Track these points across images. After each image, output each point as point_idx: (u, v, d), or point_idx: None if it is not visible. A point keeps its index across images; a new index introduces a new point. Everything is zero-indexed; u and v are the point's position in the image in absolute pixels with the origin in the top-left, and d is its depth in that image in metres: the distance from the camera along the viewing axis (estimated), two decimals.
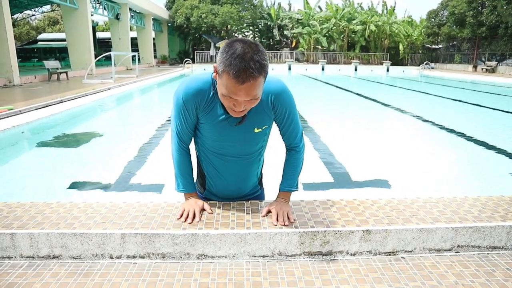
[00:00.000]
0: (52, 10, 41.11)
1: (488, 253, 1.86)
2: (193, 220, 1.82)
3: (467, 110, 10.84)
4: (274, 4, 41.85)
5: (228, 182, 1.95)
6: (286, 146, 1.91)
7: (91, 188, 4.06)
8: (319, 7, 41.41)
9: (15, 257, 1.76)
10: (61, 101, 9.34)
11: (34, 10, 35.63)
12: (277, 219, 1.82)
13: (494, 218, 1.91)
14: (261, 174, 2.15)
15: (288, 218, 1.84)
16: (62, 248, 1.75)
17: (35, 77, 15.61)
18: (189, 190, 1.93)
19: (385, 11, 39.42)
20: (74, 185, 4.10)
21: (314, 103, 12.45)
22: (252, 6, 38.54)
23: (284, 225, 1.79)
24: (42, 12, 42.62)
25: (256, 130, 1.72)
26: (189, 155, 1.89)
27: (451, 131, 7.36)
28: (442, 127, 7.70)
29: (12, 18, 19.37)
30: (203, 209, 1.91)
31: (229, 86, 1.41)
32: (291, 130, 1.79)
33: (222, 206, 2.02)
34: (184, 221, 1.81)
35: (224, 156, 1.85)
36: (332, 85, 18.68)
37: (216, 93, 1.61)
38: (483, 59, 31.27)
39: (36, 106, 8.21)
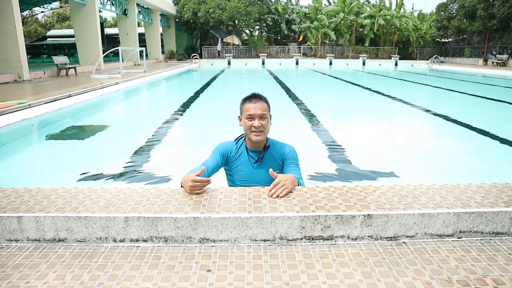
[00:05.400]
0: (61, 7, 41.36)
1: (490, 239, 1.85)
2: (200, 188, 2.04)
3: (475, 102, 10.70)
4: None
5: None
6: None
7: (97, 177, 4.12)
8: (328, 0, 41.06)
9: (22, 240, 1.81)
10: (70, 95, 9.42)
11: (43, 7, 35.89)
12: (275, 189, 2.01)
13: (497, 204, 1.90)
14: None
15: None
16: (67, 232, 1.79)
17: (44, 73, 15.75)
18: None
19: (393, 5, 38.94)
20: (80, 174, 4.16)
21: (321, 96, 12.41)
22: (259, 1, 38.35)
23: (277, 196, 1.96)
24: (51, 9, 42.88)
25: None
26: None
27: (459, 123, 7.28)
28: (449, 119, 7.62)
29: (21, 15, 19.59)
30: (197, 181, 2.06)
31: (246, 109, 2.23)
32: (293, 169, 2.28)
33: (224, 191, 2.05)
34: (196, 193, 2.03)
35: None
36: (338, 78, 18.58)
37: (242, 144, 2.36)
38: (494, 53, 30.73)
39: (45, 100, 8.29)
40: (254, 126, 2.18)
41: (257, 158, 2.32)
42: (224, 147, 2.37)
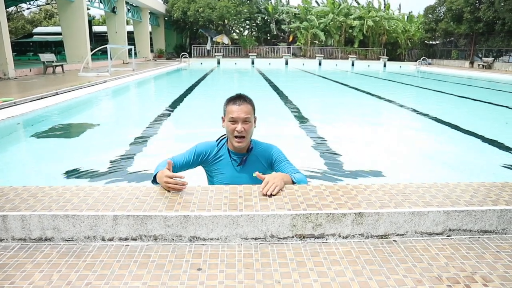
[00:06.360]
0: (48, 3, 40.67)
1: (479, 237, 1.87)
2: (178, 184, 1.97)
3: (461, 103, 10.87)
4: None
5: None
6: None
7: (85, 175, 4.05)
8: (316, 1, 41.29)
9: (6, 239, 1.76)
10: (57, 93, 9.27)
11: (29, 4, 35.23)
12: (266, 187, 1.96)
13: (485, 203, 1.92)
14: None
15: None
16: (54, 230, 1.75)
17: (30, 70, 15.47)
18: (154, 175, 2.16)
19: (382, 7, 39.34)
20: (68, 172, 4.09)
21: (310, 96, 12.45)
22: (249, 1, 38.34)
23: (269, 195, 1.93)
24: (38, 6, 42.17)
25: (254, 175, 2.18)
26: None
27: (446, 123, 7.38)
28: (436, 119, 7.73)
29: (6, 11, 19.16)
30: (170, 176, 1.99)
31: (230, 111, 2.13)
32: (287, 166, 2.25)
33: (214, 189, 2.03)
34: (175, 189, 1.97)
35: None
36: (328, 79, 18.69)
37: (224, 146, 2.27)
38: (480, 55, 31.26)
39: (31, 98, 8.14)
40: (236, 131, 2.11)
41: (240, 161, 2.24)
42: (202, 147, 2.27)
